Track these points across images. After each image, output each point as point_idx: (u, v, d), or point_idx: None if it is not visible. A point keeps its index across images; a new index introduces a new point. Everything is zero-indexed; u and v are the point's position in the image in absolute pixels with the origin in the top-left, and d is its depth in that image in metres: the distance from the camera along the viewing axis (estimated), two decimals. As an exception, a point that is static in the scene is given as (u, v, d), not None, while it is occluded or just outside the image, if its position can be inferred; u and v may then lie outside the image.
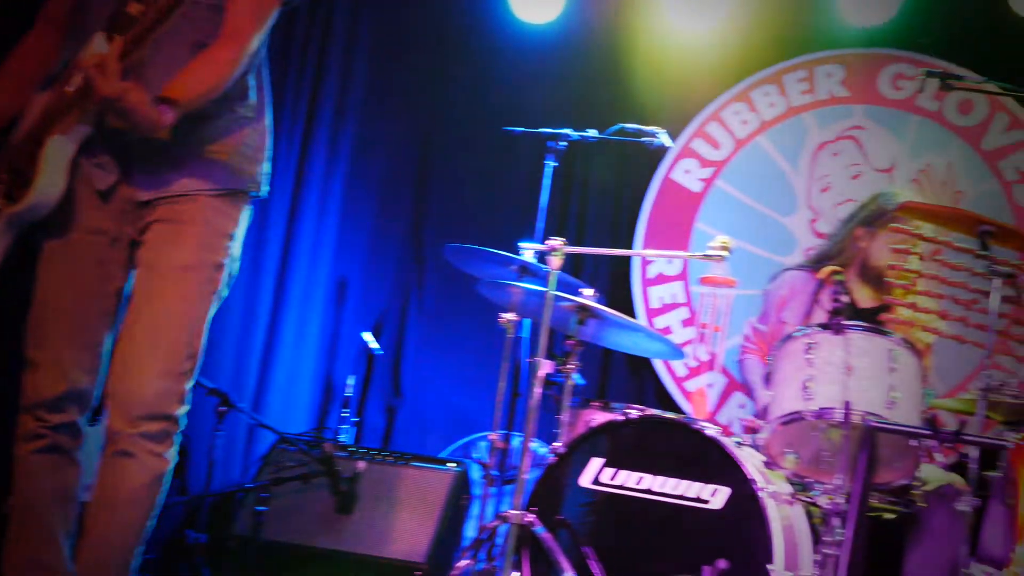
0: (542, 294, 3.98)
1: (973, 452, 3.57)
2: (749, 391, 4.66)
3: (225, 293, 3.04)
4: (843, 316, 3.72)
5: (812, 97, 5.83)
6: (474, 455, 5.23)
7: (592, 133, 4.81)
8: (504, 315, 4.39)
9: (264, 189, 3.11)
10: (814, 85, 5.83)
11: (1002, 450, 3.24)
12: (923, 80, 4.28)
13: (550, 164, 4.82)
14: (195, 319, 2.95)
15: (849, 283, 4.38)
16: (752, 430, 4.08)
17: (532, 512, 3.75)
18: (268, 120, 3.13)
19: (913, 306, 3.81)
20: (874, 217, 4.30)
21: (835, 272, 3.88)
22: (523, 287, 4.14)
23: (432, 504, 4.63)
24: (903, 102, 5.68)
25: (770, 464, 3.79)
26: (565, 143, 4.80)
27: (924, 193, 5.31)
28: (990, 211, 4.23)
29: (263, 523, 4.51)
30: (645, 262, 5.88)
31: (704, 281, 4.31)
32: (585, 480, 3.87)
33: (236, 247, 3.06)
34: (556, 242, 4.08)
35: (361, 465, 4.63)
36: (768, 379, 3.84)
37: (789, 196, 5.78)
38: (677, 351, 4.50)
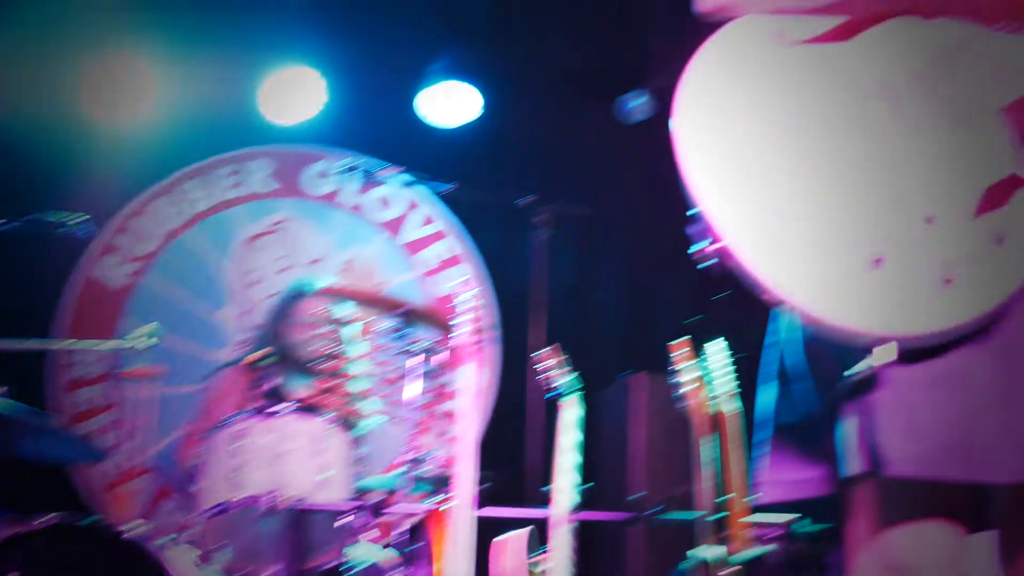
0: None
1: (404, 526, 3.67)
2: (184, 491, 4.45)
3: None
4: (272, 401, 3.69)
5: (241, 191, 5.85)
6: None
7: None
8: None
9: None
10: (243, 179, 5.86)
11: (421, 518, 3.36)
12: (344, 174, 4.45)
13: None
14: None
15: (284, 375, 4.38)
16: (184, 528, 3.88)
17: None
18: None
19: (338, 387, 3.88)
20: (294, 308, 4.34)
21: (260, 358, 3.86)
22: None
23: None
24: (327, 196, 5.88)
25: (205, 559, 3.62)
26: (-33, 234, 4.33)
27: (349, 283, 5.49)
28: (410, 299, 4.46)
29: None
30: (63, 365, 5.50)
31: (127, 375, 4.07)
32: (-8, 604, 3.43)
33: None
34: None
35: None
36: (198, 473, 3.69)
37: (219, 290, 5.71)
38: (97, 453, 4.20)
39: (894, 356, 1.54)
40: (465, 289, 3.59)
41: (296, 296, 4.42)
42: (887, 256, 1.56)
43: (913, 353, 1.58)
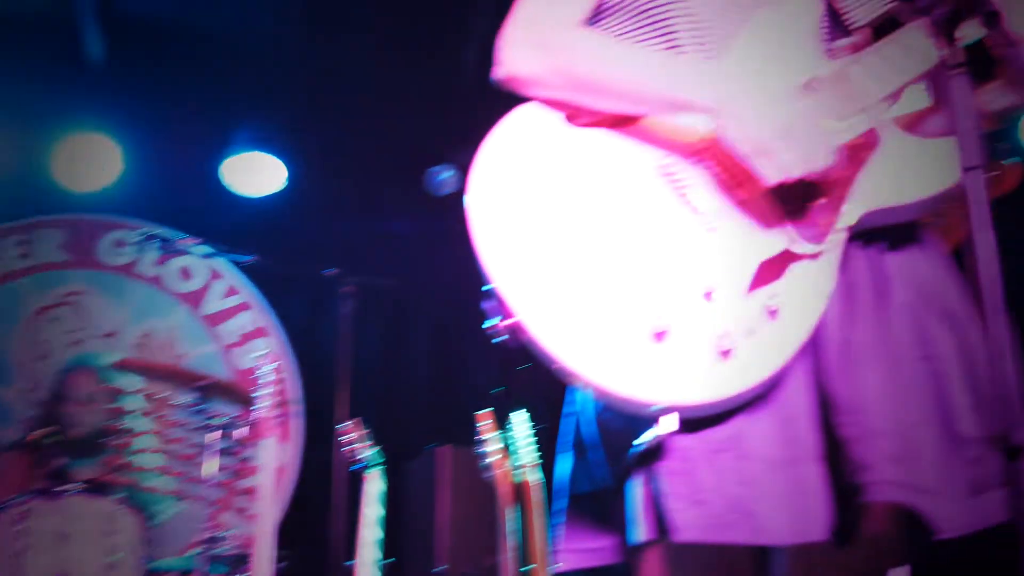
0: None
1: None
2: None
3: None
4: (57, 481, 3.52)
5: (29, 261, 5.58)
6: None
7: None
8: None
9: None
10: (31, 249, 5.60)
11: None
12: (142, 244, 4.32)
13: None
14: None
15: (70, 453, 4.18)
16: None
17: None
18: None
19: (128, 465, 3.74)
20: (77, 383, 4.17)
21: (43, 436, 3.68)
22: None
23: None
24: (124, 267, 5.68)
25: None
26: None
27: (146, 357, 5.30)
28: (211, 372, 4.33)
29: None
30: None
31: None
32: None
33: None
34: None
35: None
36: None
37: (4, 365, 5.41)
38: None
39: (676, 426, 1.60)
40: (267, 362, 3.53)
41: (78, 371, 4.24)
42: (669, 329, 1.63)
43: (695, 422, 1.65)
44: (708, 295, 1.65)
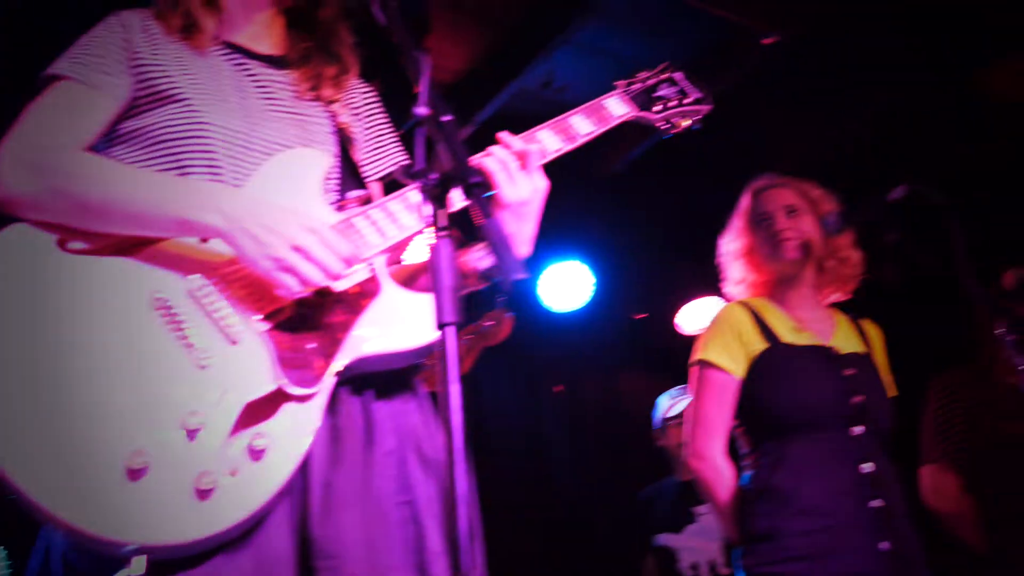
0: None
1: None
2: None
3: None
4: None
5: None
6: None
7: None
8: None
9: None
10: None
11: None
12: None
13: None
14: None
15: None
16: None
17: None
18: None
19: None
20: None
21: None
22: None
23: None
24: None
25: None
26: None
27: None
28: None
29: None
30: None
31: None
32: None
33: None
34: None
35: None
36: None
37: None
38: None
39: (143, 568, 1.53)
40: None
41: None
42: (148, 468, 1.57)
43: (172, 563, 1.59)
44: (192, 434, 1.62)
